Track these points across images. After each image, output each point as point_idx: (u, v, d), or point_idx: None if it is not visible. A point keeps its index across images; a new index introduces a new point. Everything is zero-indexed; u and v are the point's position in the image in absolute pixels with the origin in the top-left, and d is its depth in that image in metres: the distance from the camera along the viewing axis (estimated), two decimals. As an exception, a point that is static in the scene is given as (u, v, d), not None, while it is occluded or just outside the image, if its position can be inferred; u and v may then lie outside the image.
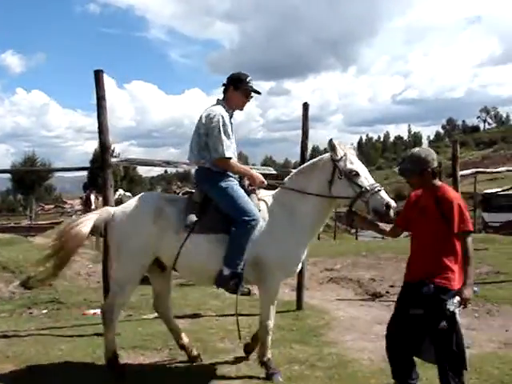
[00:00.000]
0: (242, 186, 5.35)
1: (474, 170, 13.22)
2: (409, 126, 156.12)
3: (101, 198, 8.01)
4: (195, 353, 5.77)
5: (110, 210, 5.64)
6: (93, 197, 21.67)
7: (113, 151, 54.06)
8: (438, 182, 4.40)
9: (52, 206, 53.40)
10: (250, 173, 5.36)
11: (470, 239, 4.24)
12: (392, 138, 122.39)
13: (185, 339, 5.82)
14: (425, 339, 4.35)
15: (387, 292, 10.03)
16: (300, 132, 8.35)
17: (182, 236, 5.15)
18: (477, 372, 5.19)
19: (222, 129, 5.17)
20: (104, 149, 6.87)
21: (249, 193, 5.33)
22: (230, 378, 5.38)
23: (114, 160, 7.11)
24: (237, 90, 5.42)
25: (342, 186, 5.04)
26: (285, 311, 7.68)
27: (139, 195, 5.80)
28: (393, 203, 4.81)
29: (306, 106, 8.32)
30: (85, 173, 59.34)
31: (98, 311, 7.93)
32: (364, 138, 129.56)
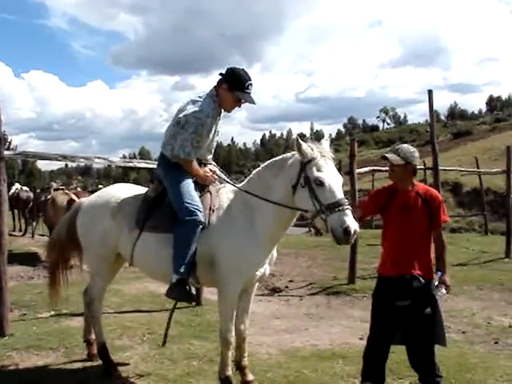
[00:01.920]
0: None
1: (371, 167, 13.68)
2: (311, 123, 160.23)
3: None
4: (95, 351, 5.62)
5: (82, 200, 5.81)
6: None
7: (10, 143, 52.11)
8: (414, 181, 4.66)
9: None
10: (197, 173, 4.88)
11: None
12: (295, 136, 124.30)
13: (92, 335, 5.68)
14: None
15: (286, 287, 10.27)
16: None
17: (135, 233, 5.00)
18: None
19: (199, 130, 4.72)
20: (-4, 141, 6.55)
21: (203, 188, 4.93)
22: (127, 375, 5.32)
23: (7, 153, 6.80)
24: (231, 91, 4.79)
25: (304, 196, 4.28)
26: (184, 307, 7.65)
27: (109, 186, 5.87)
28: (354, 227, 4.04)
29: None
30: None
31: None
32: (267, 134, 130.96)
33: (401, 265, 4.54)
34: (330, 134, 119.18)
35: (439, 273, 4.64)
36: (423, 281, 4.49)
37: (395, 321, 4.57)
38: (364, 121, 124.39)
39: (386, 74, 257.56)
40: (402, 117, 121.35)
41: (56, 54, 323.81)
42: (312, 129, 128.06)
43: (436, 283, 4.54)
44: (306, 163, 4.30)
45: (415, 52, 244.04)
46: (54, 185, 17.21)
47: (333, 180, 4.23)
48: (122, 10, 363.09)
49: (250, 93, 4.85)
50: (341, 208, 4.08)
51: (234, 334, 4.87)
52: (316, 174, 4.23)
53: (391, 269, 4.61)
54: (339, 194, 4.17)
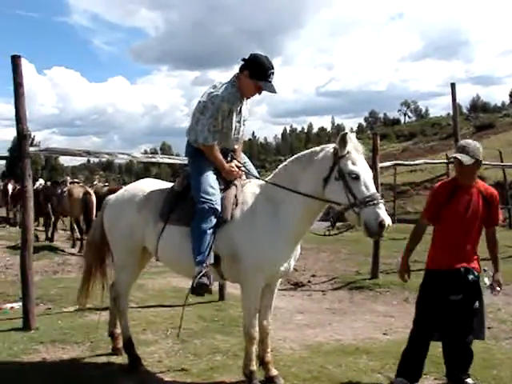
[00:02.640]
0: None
1: (394, 162, 13.66)
2: (332, 117, 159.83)
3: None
4: (120, 345, 5.67)
5: (109, 197, 5.80)
6: (10, 186, 21.00)
7: (33, 139, 52.54)
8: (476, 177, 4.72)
9: (-32, 196, 51.21)
10: (222, 166, 4.90)
11: None
12: (315, 130, 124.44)
13: (117, 329, 5.72)
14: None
15: (309, 282, 10.27)
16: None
17: (160, 227, 5.01)
18: (394, 357, 5.32)
19: (215, 114, 4.74)
20: (22, 138, 6.61)
21: (228, 182, 4.92)
22: (151, 369, 5.34)
23: (32, 149, 6.87)
24: (252, 78, 4.80)
25: (337, 189, 4.29)
26: (207, 302, 7.68)
27: (135, 182, 5.89)
28: (388, 221, 4.11)
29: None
30: (3, 161, 57.31)
31: (16, 305, 7.72)
32: (288, 128, 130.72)
33: (457, 258, 4.57)
34: (352, 128, 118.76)
35: (485, 269, 4.68)
36: (476, 274, 4.53)
37: (442, 316, 4.57)
38: (385, 114, 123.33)
39: (407, 67, 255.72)
40: (424, 110, 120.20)
41: (78, 51, 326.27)
42: (333, 123, 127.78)
43: (487, 282, 4.63)
44: (341, 157, 4.31)
45: (437, 44, 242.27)
46: (69, 179, 18.06)
47: (367, 174, 4.31)
48: (143, 6, 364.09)
49: (271, 81, 4.86)
50: (375, 202, 4.16)
51: (257, 329, 4.86)
52: (351, 167, 4.27)
53: (447, 262, 4.61)
54: (373, 188, 4.25)
